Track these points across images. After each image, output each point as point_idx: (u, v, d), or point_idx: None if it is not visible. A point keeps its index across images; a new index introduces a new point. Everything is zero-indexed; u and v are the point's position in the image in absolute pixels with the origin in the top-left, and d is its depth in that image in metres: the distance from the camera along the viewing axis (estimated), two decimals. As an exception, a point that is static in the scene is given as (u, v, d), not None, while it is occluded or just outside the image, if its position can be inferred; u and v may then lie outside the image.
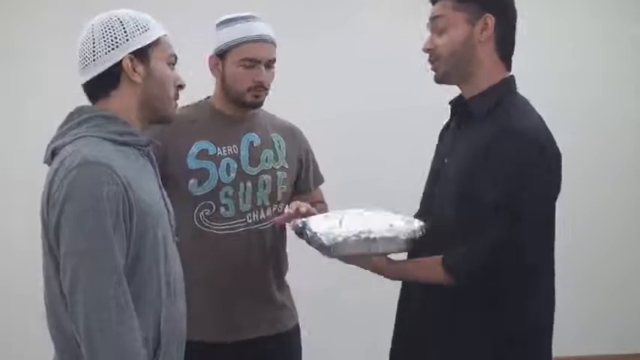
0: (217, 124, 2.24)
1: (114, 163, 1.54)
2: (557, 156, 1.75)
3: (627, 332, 4.05)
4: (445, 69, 1.82)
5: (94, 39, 1.65)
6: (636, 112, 4.08)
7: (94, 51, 1.64)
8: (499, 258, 1.68)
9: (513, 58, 1.85)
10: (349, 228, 1.76)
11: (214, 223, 2.20)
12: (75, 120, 1.65)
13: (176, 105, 1.76)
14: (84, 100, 1.70)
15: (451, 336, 1.77)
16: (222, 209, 2.19)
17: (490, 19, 1.77)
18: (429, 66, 1.85)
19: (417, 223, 1.81)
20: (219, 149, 2.21)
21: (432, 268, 1.76)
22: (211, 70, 2.25)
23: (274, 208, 2.28)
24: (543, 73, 3.82)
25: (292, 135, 2.37)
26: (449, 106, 1.94)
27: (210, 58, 2.24)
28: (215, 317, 2.20)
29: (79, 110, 1.67)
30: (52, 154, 1.63)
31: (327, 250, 1.75)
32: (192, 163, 2.18)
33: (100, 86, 1.66)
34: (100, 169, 1.51)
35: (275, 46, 2.22)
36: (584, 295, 3.90)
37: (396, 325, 1.96)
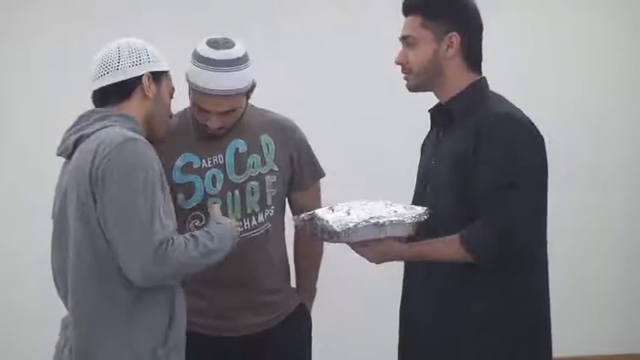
0: (202, 134, 2.21)
1: None
2: (542, 137, 1.86)
3: (627, 332, 4.06)
4: (416, 82, 1.95)
5: (119, 53, 1.88)
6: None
7: (119, 62, 1.87)
8: (514, 232, 1.76)
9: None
10: (359, 215, 1.89)
11: None
12: (91, 117, 1.85)
13: None
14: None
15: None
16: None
17: (455, 38, 1.89)
18: (402, 75, 1.97)
19: (421, 208, 1.92)
20: (204, 161, 2.21)
21: (450, 248, 1.84)
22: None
23: (266, 213, 2.27)
24: (552, 75, 3.80)
25: (283, 132, 2.30)
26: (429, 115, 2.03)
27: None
28: (207, 325, 2.21)
29: (92, 112, 1.88)
30: (74, 145, 1.81)
31: (338, 236, 1.88)
32: (178, 178, 2.20)
33: (114, 93, 1.88)
34: (145, 144, 1.78)
35: (234, 96, 2.11)
36: (584, 295, 3.91)
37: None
